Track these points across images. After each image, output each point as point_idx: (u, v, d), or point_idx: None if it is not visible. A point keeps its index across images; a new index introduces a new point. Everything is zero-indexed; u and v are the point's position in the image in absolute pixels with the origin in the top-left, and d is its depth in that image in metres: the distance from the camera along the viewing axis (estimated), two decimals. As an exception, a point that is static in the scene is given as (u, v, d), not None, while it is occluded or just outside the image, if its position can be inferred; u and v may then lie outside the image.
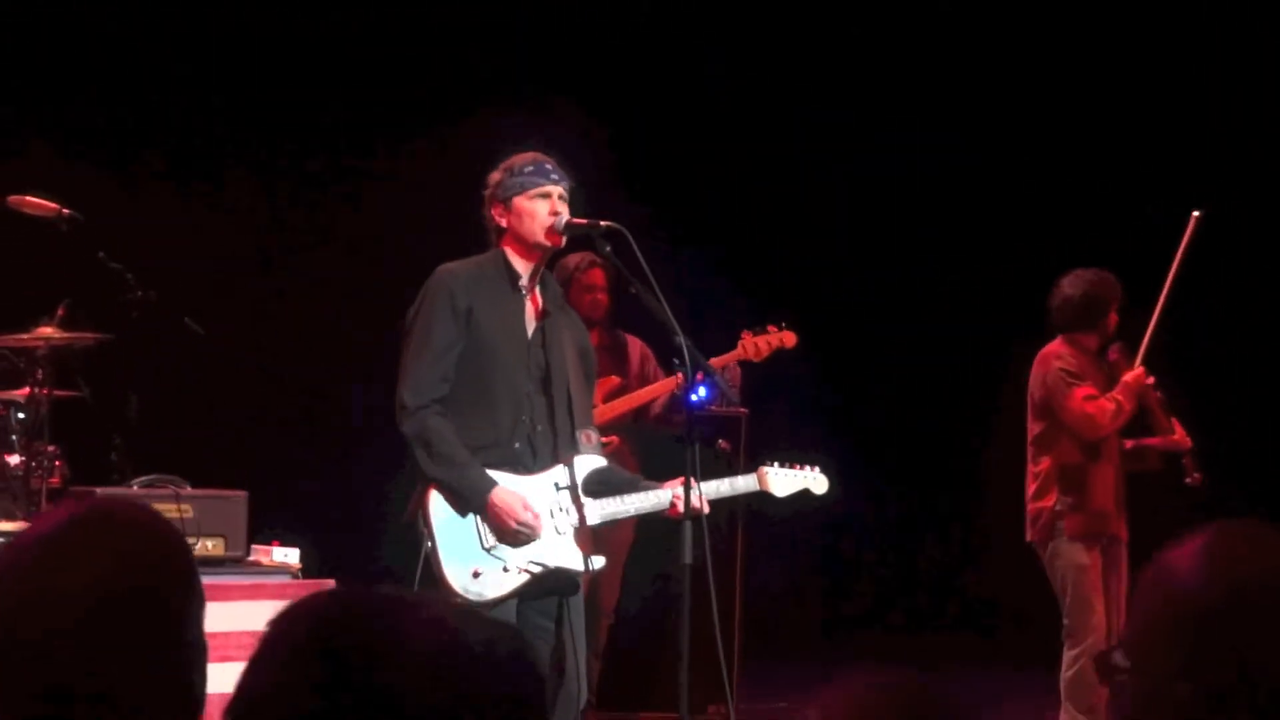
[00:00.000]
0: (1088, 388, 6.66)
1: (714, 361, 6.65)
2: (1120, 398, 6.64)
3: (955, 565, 11.17)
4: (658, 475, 5.59)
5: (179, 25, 9.33)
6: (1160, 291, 6.91)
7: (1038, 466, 6.84)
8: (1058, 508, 6.73)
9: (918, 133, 10.70)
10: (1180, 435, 6.92)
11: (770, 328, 7.21)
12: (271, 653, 1.58)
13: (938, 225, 10.94)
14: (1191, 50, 10.31)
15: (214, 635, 6.06)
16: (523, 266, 5.28)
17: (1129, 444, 6.93)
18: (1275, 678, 1.88)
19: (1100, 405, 6.61)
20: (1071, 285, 6.85)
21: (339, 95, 9.62)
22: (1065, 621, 6.70)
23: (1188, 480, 6.93)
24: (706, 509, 5.32)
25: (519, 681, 1.56)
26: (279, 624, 1.62)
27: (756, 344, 7.18)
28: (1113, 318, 6.85)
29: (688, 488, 5.18)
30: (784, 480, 5.72)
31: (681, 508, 5.23)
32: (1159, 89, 10.54)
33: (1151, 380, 6.78)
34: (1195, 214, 6.91)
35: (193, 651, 1.97)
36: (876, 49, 10.89)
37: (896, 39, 10.91)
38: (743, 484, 5.68)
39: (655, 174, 9.74)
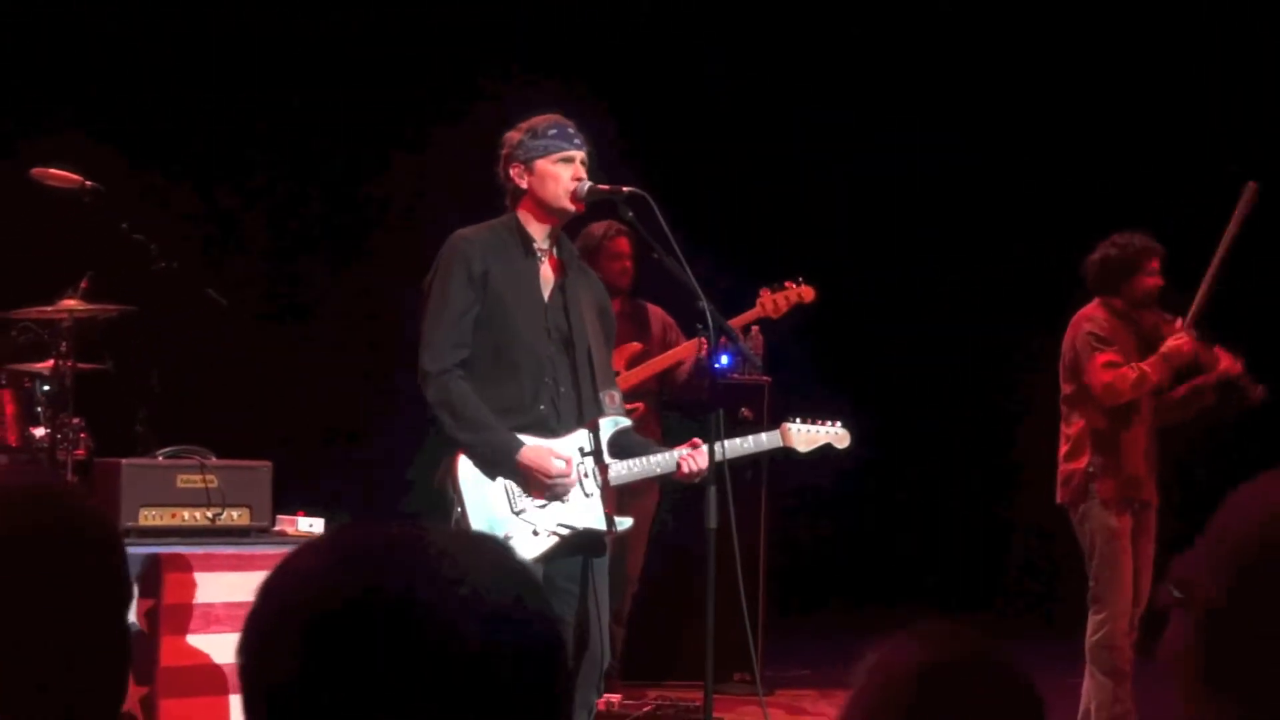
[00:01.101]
0: (1110, 354, 6.62)
1: (734, 321, 6.59)
2: (1147, 368, 6.58)
3: (975, 539, 11.18)
4: (681, 441, 5.59)
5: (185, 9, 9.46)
6: (1210, 264, 6.81)
7: (1070, 428, 6.81)
8: (1090, 469, 6.69)
9: (918, 133, 10.70)
10: (1227, 362, 6.81)
11: (788, 284, 7.22)
12: (264, 622, 1.48)
13: (938, 225, 10.93)
14: (1191, 47, 10.27)
15: (241, 605, 6.04)
16: (538, 230, 5.29)
17: (1181, 390, 6.86)
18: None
19: (1121, 373, 6.58)
20: (1102, 247, 6.83)
21: (356, 83, 9.67)
22: (1091, 585, 6.64)
23: (1252, 397, 6.82)
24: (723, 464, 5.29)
25: (539, 630, 1.48)
26: (277, 583, 1.50)
27: (775, 300, 7.18)
28: (1146, 280, 6.79)
29: (713, 452, 5.17)
30: (807, 435, 5.71)
31: (692, 468, 5.27)
32: (1157, 87, 10.52)
33: (1189, 349, 6.74)
34: (1251, 184, 6.77)
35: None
36: (876, 49, 10.88)
37: (896, 39, 10.90)
38: (766, 440, 5.65)
39: (654, 173, 9.85)
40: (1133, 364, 6.60)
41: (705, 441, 5.21)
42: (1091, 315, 6.77)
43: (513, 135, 5.26)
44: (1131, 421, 6.73)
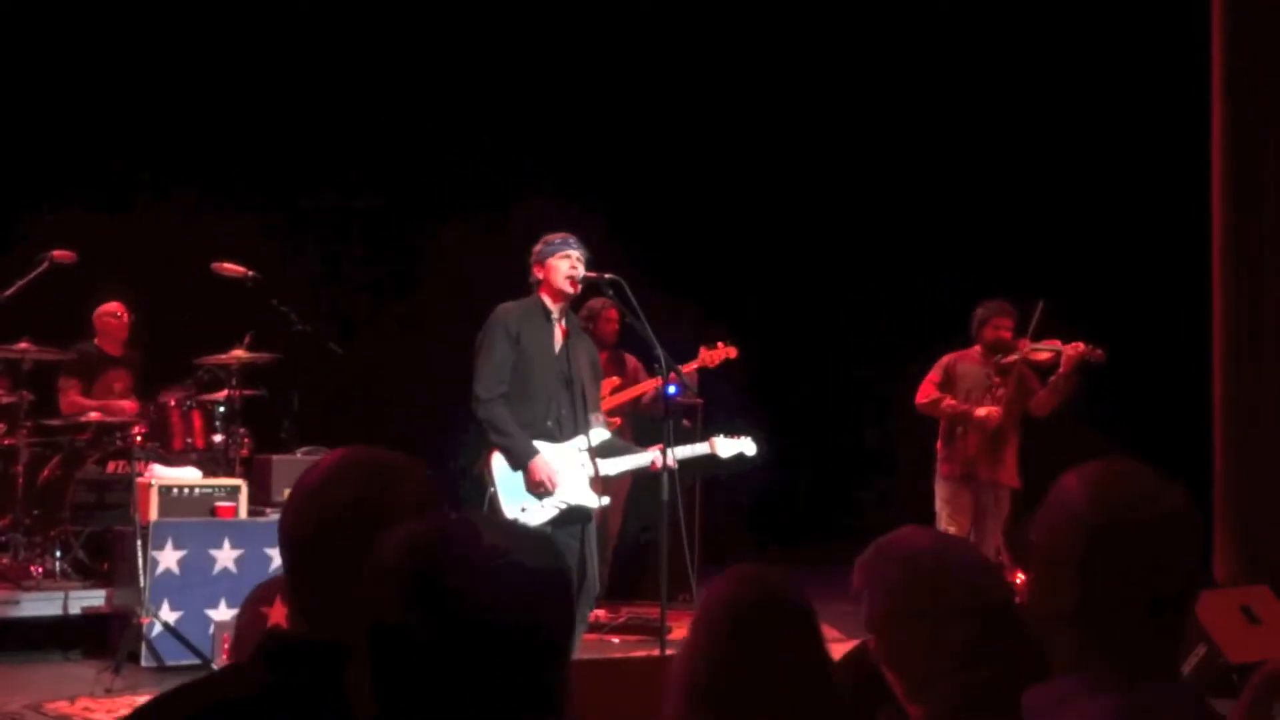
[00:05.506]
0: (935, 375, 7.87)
1: (684, 369, 7.35)
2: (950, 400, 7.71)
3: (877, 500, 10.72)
4: (645, 444, 6.32)
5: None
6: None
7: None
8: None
9: (915, 141, 10.41)
10: (1069, 350, 7.40)
11: (720, 344, 8.07)
12: (373, 574, 1.62)
13: (932, 235, 10.63)
14: (1190, 49, 9.41)
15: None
16: (552, 305, 6.10)
17: (1044, 393, 7.52)
18: (1150, 586, 1.87)
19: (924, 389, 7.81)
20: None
21: (422, 190, 10.50)
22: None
23: (1095, 359, 7.34)
24: (674, 464, 5.98)
25: (555, 583, 1.67)
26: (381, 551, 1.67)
27: (711, 355, 8.00)
28: (988, 332, 7.76)
29: (665, 451, 5.93)
30: (726, 445, 6.42)
31: (660, 464, 6.00)
32: (1155, 88, 10.26)
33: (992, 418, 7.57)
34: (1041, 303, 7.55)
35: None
36: (876, 48, 10.56)
37: (897, 39, 10.57)
38: (700, 448, 6.33)
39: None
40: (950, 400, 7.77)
41: (665, 446, 5.93)
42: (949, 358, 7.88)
43: (536, 247, 6.16)
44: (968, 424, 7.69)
